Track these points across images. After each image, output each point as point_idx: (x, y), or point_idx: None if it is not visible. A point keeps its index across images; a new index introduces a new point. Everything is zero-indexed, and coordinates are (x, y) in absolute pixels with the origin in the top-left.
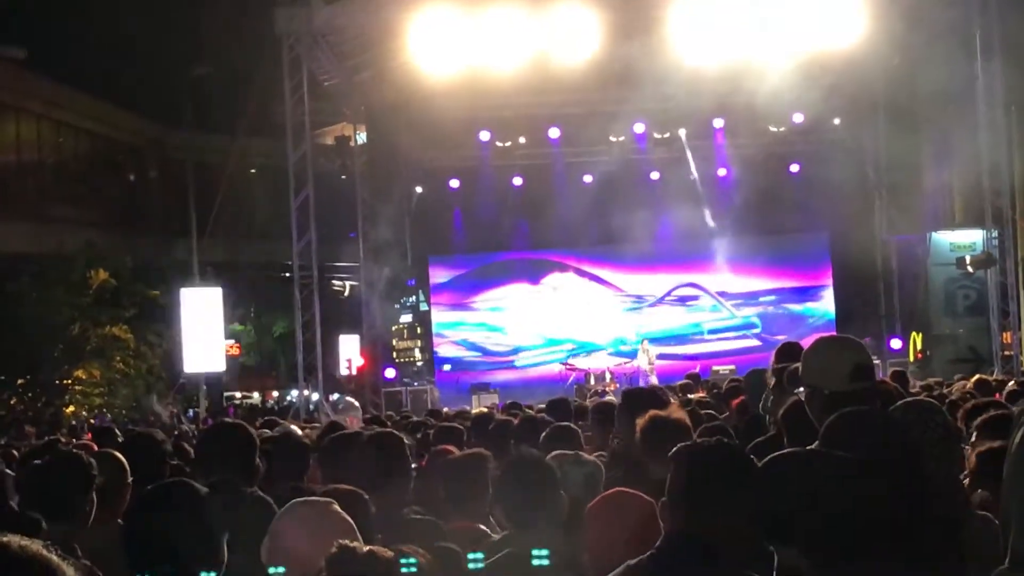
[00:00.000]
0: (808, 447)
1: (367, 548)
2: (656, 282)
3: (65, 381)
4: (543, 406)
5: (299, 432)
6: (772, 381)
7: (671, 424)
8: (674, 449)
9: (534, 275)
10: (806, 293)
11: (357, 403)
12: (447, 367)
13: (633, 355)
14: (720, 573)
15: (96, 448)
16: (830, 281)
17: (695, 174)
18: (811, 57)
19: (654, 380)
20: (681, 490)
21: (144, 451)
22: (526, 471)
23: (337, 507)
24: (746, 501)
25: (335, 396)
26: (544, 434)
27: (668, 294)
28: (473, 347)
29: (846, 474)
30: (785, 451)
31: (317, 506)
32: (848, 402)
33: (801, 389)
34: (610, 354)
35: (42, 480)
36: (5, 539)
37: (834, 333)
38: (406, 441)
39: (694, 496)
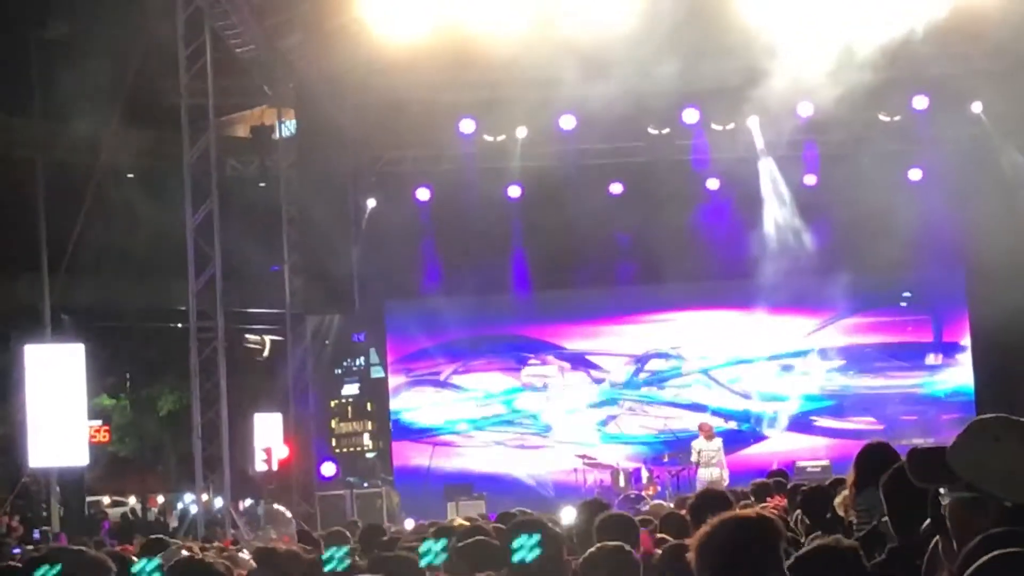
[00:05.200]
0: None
1: None
2: (709, 337)
3: None
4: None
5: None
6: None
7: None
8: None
9: (534, 349)
10: (929, 353)
11: (288, 512)
12: (425, 462)
13: (683, 445)
14: None
15: None
16: (967, 338)
17: (773, 181)
18: (949, 12)
19: (723, 477)
20: None
21: None
22: None
23: None
24: None
25: (248, 502)
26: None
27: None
28: (448, 434)
29: None
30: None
31: None
32: None
33: (944, 491)
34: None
35: None
36: None
37: (998, 415)
38: None
39: None
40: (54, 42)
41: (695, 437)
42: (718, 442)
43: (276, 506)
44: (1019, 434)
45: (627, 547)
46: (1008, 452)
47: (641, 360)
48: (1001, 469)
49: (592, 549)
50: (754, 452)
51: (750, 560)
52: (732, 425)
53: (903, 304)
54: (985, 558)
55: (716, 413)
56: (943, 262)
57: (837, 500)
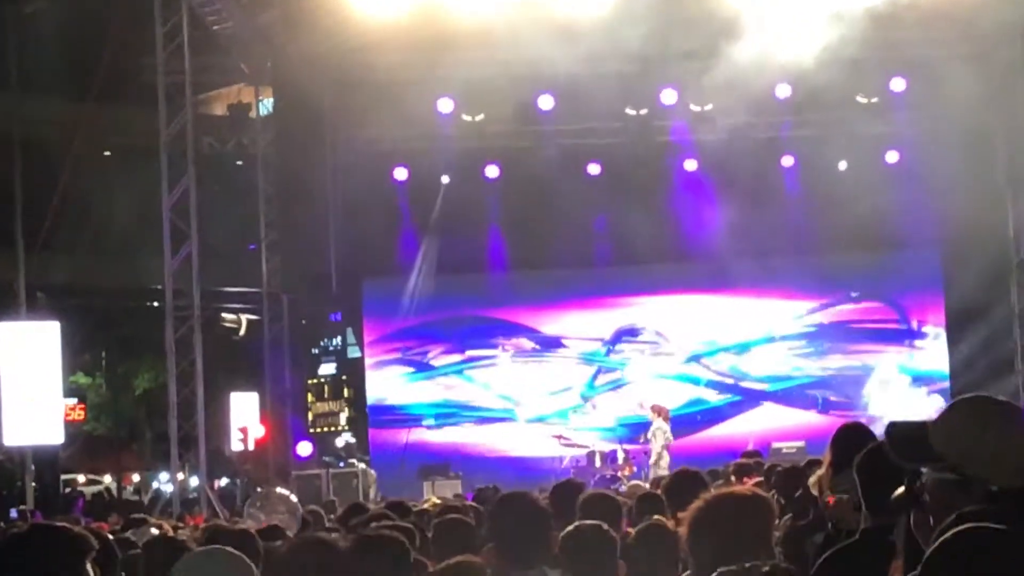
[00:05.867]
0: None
1: None
2: (684, 320)
3: None
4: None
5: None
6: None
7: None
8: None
9: (510, 331)
10: (904, 337)
11: (291, 495)
12: (404, 437)
13: (643, 428)
14: None
15: None
16: (942, 319)
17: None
18: None
19: (664, 464)
20: None
21: None
22: None
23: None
24: None
25: (223, 482)
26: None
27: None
28: (424, 415)
29: None
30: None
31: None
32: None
33: (925, 471)
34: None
35: None
36: None
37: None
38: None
39: None
40: (31, 17)
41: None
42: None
43: (278, 489)
44: (1004, 416)
45: (605, 526)
46: (993, 434)
47: (615, 339)
48: (986, 451)
49: (570, 527)
50: (728, 432)
51: (748, 536)
52: (709, 402)
53: (854, 295)
54: (950, 533)
55: (697, 391)
56: (918, 245)
57: (811, 480)
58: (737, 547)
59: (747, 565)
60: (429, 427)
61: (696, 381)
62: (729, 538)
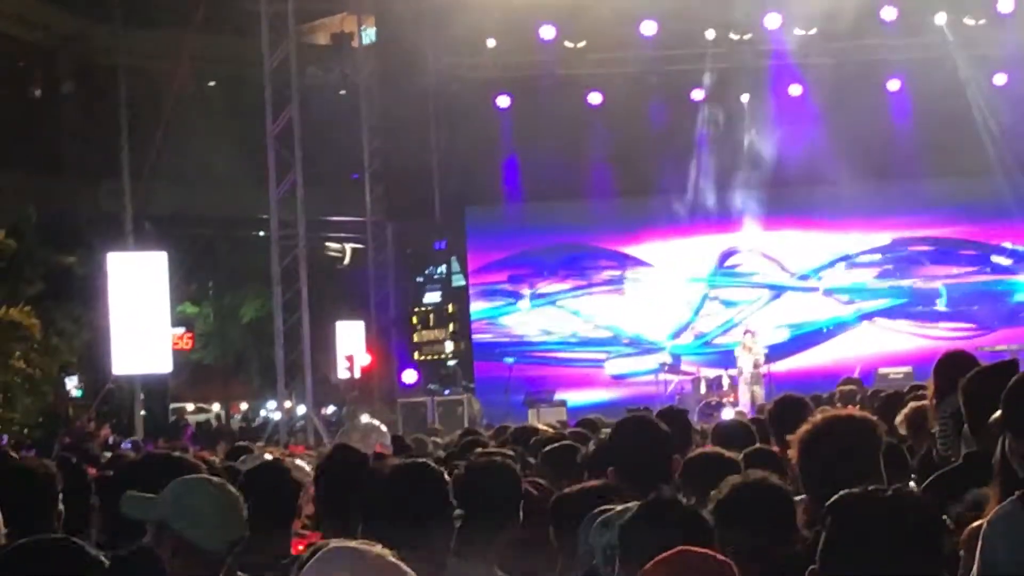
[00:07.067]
0: None
1: None
2: (790, 245)
3: None
4: None
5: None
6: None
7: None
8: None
9: (613, 259)
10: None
11: (382, 425)
12: (510, 360)
13: (728, 358)
14: None
15: None
16: None
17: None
18: None
19: (758, 392)
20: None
21: (23, 489)
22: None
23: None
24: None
25: (330, 409)
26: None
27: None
28: (529, 344)
29: None
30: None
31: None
32: None
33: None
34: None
35: None
36: None
37: None
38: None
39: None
40: None
41: (779, 343)
42: (761, 348)
43: (366, 418)
44: None
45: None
46: None
47: (719, 264)
48: None
49: (695, 453)
50: (836, 357)
51: (859, 458)
52: (819, 322)
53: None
54: None
55: (805, 312)
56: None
57: (898, 419)
58: (847, 469)
59: (870, 488)
60: (533, 355)
61: (804, 303)
62: (840, 460)
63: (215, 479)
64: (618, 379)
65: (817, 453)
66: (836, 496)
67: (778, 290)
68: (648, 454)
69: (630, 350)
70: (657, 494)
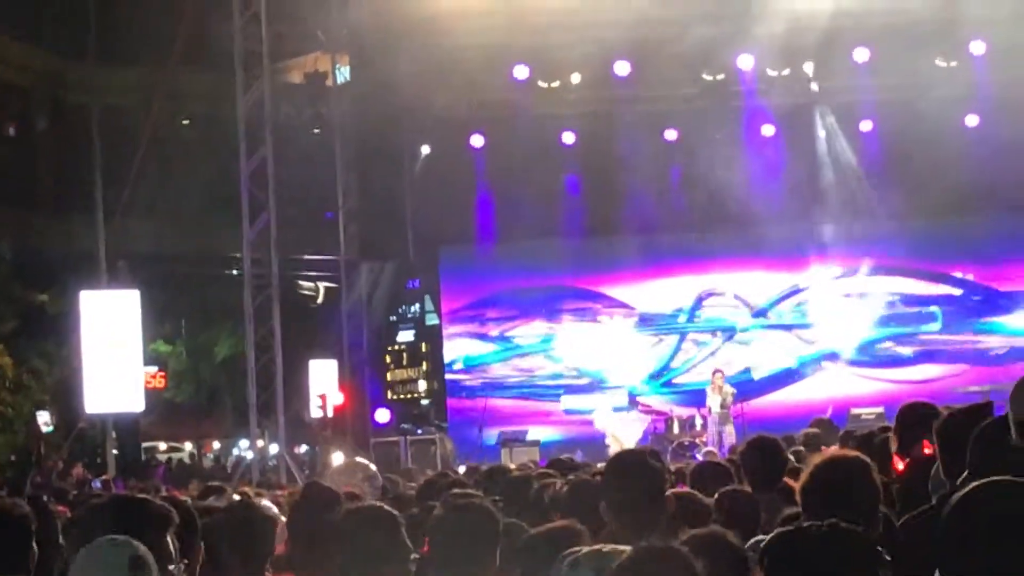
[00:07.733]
0: None
1: None
2: (762, 285)
3: None
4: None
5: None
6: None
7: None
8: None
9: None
10: (993, 301)
11: (370, 463)
12: (483, 399)
13: (739, 391)
14: None
15: None
16: None
17: (828, 129)
18: None
19: (728, 431)
20: None
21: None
22: None
23: None
24: None
25: (302, 448)
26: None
27: (779, 301)
28: (502, 385)
29: None
30: None
31: None
32: None
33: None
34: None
35: None
36: None
37: None
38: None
39: None
40: None
41: (750, 382)
42: (729, 391)
43: (359, 459)
44: None
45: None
46: None
47: (694, 305)
48: None
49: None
50: (808, 397)
51: (856, 498)
52: (790, 365)
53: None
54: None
55: (778, 355)
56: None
57: None
58: (845, 506)
59: (804, 525)
60: (506, 395)
61: (777, 343)
62: (839, 498)
63: (119, 538)
64: (590, 417)
65: (818, 497)
66: (771, 535)
67: (750, 330)
68: (642, 491)
69: (603, 389)
70: (648, 543)
